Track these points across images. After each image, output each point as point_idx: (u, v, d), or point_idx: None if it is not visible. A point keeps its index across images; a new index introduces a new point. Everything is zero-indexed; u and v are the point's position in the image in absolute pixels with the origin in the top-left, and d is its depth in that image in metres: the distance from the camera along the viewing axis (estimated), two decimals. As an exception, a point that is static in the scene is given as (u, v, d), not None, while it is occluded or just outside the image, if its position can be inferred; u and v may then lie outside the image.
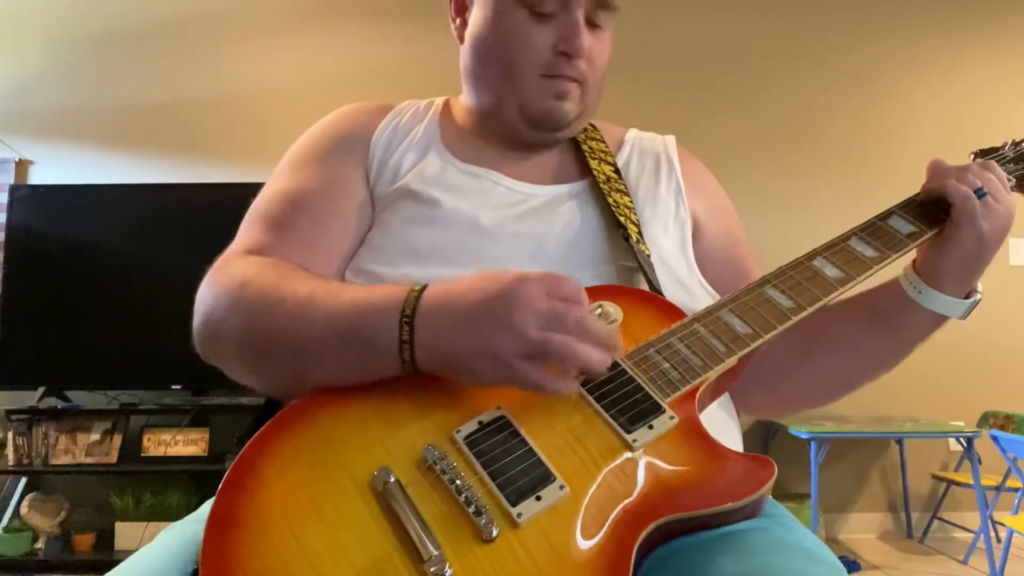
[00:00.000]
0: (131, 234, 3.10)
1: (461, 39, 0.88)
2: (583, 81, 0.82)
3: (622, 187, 0.85)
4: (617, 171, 0.87)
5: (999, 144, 0.87)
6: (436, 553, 0.51)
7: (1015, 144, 0.85)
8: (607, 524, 0.54)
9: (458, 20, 0.88)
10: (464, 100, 0.91)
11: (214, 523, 0.54)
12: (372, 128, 0.86)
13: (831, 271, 0.73)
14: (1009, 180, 0.78)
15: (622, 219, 0.80)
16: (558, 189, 0.84)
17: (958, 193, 0.72)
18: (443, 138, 0.86)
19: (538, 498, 0.54)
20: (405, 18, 3.61)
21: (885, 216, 0.78)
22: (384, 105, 0.90)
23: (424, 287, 0.62)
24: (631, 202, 0.84)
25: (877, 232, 0.76)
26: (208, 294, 0.72)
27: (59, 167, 3.43)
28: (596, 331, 0.58)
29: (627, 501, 0.56)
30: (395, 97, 0.93)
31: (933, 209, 0.76)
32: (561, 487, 0.55)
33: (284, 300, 0.66)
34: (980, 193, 0.72)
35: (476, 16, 0.85)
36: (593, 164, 0.86)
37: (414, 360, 0.60)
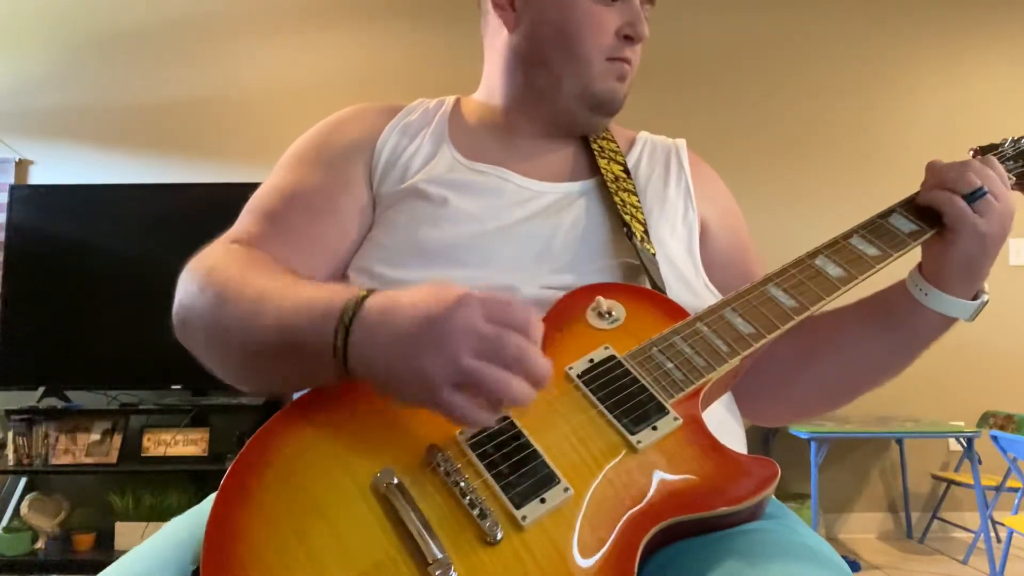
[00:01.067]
0: (131, 234, 3.10)
1: (509, 25, 0.86)
2: (633, 66, 0.85)
3: (630, 187, 0.85)
4: (626, 171, 0.87)
5: (999, 141, 0.86)
6: (440, 556, 0.51)
7: (1015, 141, 0.84)
8: (612, 526, 0.54)
9: (509, 11, 0.86)
10: (486, 96, 0.91)
11: (214, 525, 0.54)
12: (377, 130, 0.86)
13: (833, 270, 0.73)
14: (1009, 178, 0.77)
15: (627, 217, 0.80)
16: (567, 187, 0.84)
17: (942, 200, 0.73)
18: (453, 137, 0.86)
19: (542, 500, 0.54)
20: (406, 18, 3.61)
21: (886, 214, 0.77)
22: (391, 106, 0.90)
23: (369, 293, 0.59)
24: (638, 201, 0.84)
25: (879, 231, 0.76)
26: (183, 279, 0.72)
27: (59, 167, 3.43)
28: (532, 365, 0.54)
29: (631, 503, 0.55)
30: (396, 97, 0.93)
31: (932, 208, 0.76)
32: (565, 489, 0.55)
33: (241, 294, 0.65)
34: (981, 192, 0.72)
35: (540, 3, 0.84)
36: (602, 163, 0.86)
37: (347, 368, 0.58)
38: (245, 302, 0.64)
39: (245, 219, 0.80)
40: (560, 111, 0.86)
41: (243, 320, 0.64)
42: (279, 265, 0.71)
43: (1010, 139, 0.85)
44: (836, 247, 0.75)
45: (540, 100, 0.86)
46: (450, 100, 0.92)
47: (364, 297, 0.59)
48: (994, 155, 0.81)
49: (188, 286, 0.70)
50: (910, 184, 0.79)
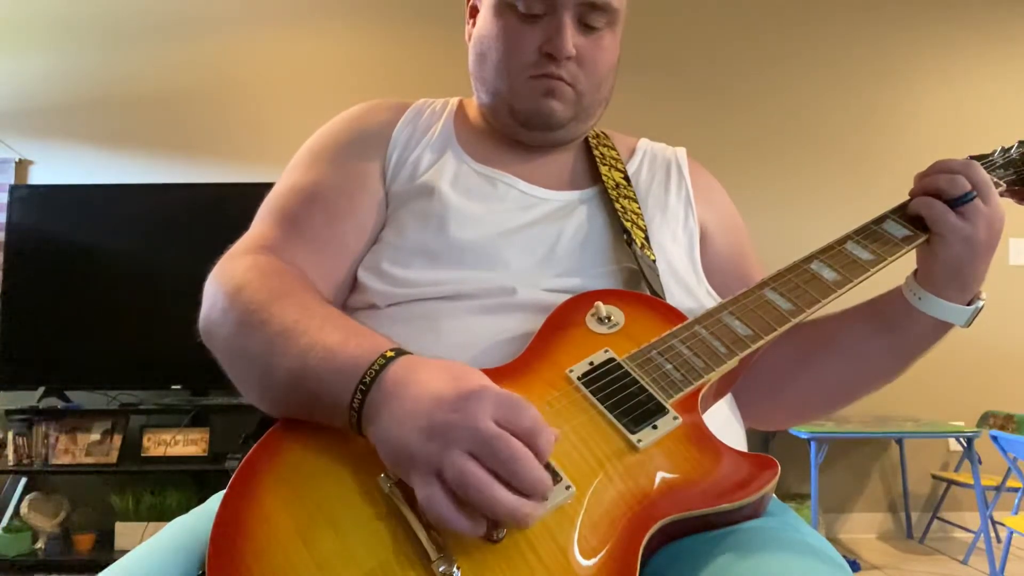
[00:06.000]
0: (131, 234, 3.10)
1: (468, 39, 0.89)
2: (575, 83, 0.82)
3: (631, 194, 0.86)
4: (627, 178, 0.88)
5: (989, 152, 0.87)
6: (444, 553, 0.51)
7: (1004, 150, 0.86)
8: (614, 524, 0.54)
9: (470, 23, 0.89)
10: (474, 101, 0.92)
11: (220, 528, 0.54)
12: (391, 126, 0.87)
13: (828, 274, 0.74)
14: (999, 185, 0.78)
15: (628, 224, 0.81)
16: (570, 195, 0.85)
17: (922, 204, 0.74)
18: (459, 139, 0.87)
19: (544, 498, 0.54)
20: (409, 13, 3.61)
21: (879, 220, 0.78)
22: (402, 103, 0.91)
23: (395, 355, 0.59)
24: (639, 208, 0.85)
25: (872, 236, 0.77)
26: (211, 290, 0.72)
27: (59, 167, 3.43)
28: (524, 474, 0.50)
29: (632, 501, 0.56)
30: (397, 92, 0.94)
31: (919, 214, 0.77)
32: (567, 487, 0.55)
33: (267, 323, 0.65)
34: (969, 196, 0.72)
35: (478, 20, 0.87)
36: (603, 170, 0.87)
37: (360, 427, 0.58)
38: (270, 336, 0.64)
39: (266, 221, 0.80)
40: (503, 125, 0.86)
41: (264, 355, 0.64)
42: (306, 286, 0.71)
43: (1000, 148, 0.87)
44: (831, 252, 0.76)
45: (489, 114, 0.87)
46: (454, 101, 0.93)
47: (388, 361, 0.58)
48: (984, 164, 0.82)
49: (214, 301, 0.70)
50: (909, 186, 0.80)
